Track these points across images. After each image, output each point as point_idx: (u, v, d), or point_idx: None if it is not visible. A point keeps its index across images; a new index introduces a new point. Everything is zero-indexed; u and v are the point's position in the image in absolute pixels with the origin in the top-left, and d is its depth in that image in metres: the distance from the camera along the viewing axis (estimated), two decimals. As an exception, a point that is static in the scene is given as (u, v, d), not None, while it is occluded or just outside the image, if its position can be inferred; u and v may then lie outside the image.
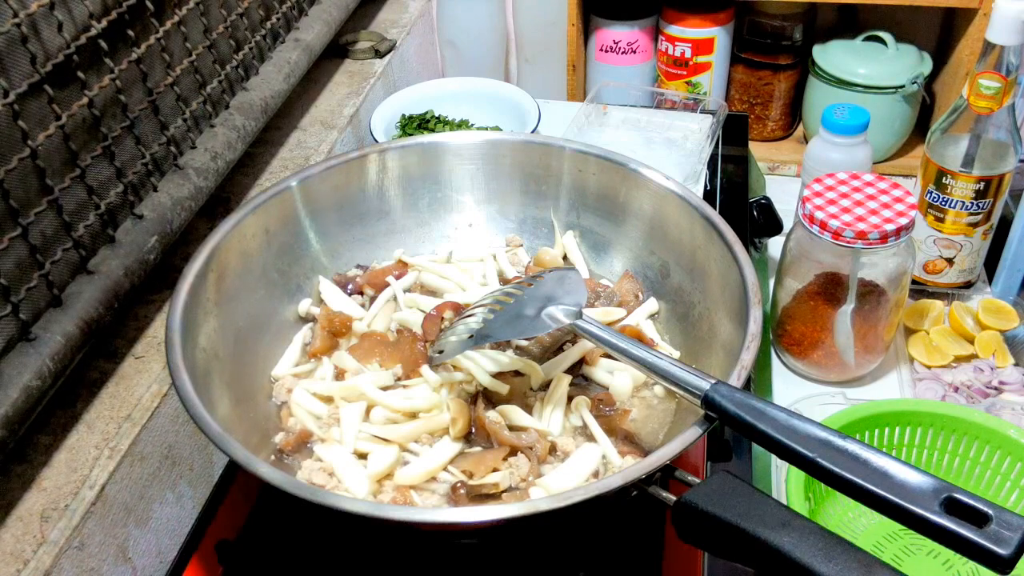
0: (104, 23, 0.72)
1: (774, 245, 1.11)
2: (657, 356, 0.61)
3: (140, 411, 0.73)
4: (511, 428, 0.67)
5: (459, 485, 0.63)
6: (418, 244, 0.85)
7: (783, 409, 0.54)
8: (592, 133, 1.10)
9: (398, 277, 0.80)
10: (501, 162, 0.83)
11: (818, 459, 0.51)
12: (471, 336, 0.67)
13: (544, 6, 1.56)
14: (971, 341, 1.02)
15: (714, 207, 0.73)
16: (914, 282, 1.08)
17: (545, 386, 0.71)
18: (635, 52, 1.50)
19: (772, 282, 1.03)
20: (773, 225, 1.08)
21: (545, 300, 0.67)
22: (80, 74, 0.69)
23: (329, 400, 0.70)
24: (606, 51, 1.50)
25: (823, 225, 0.88)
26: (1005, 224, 1.08)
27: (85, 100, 0.70)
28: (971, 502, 0.47)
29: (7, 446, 0.60)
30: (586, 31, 1.52)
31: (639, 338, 0.72)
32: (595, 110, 1.13)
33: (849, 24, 1.51)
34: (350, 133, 1.11)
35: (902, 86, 1.27)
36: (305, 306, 0.78)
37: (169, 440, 0.75)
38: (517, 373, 0.72)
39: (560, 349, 0.74)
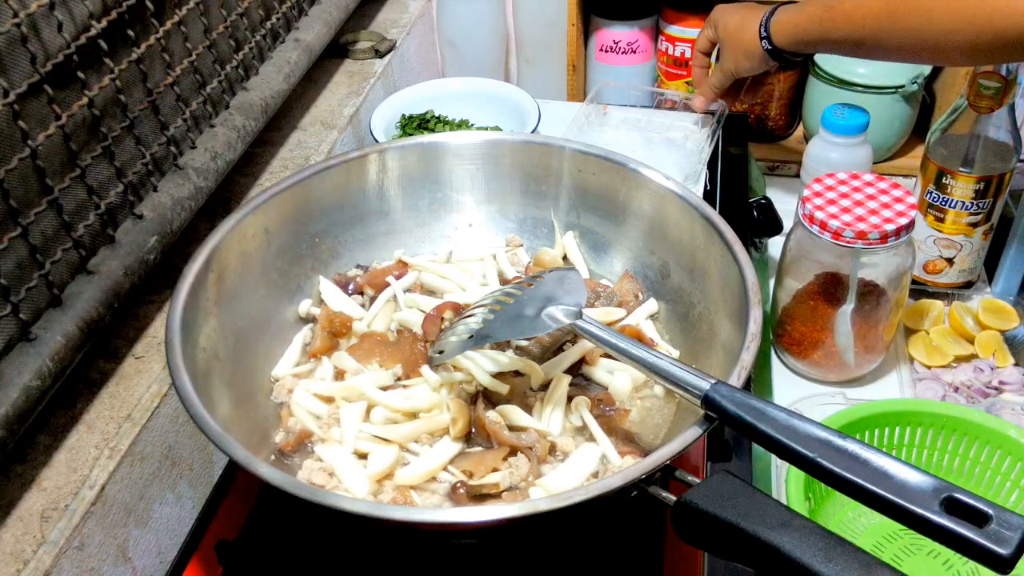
0: (104, 23, 0.72)
1: (774, 245, 1.11)
2: (657, 356, 0.61)
3: (140, 411, 0.73)
4: (511, 428, 0.67)
5: (459, 485, 0.64)
6: (418, 244, 0.85)
7: (783, 409, 0.54)
8: (592, 133, 1.10)
9: (398, 277, 0.80)
10: (501, 162, 0.83)
11: (818, 459, 0.51)
12: (471, 336, 0.67)
13: (544, 6, 1.56)
14: (971, 341, 1.02)
15: (714, 207, 0.73)
16: (914, 282, 1.07)
17: (545, 386, 0.71)
18: (635, 52, 1.49)
19: (772, 282, 1.03)
20: (773, 225, 1.08)
21: (545, 300, 0.67)
22: (80, 74, 0.69)
23: (329, 400, 0.70)
24: (606, 51, 1.50)
25: (823, 225, 0.88)
26: (1005, 224, 1.08)
27: (85, 100, 0.70)
28: (971, 502, 0.47)
29: (7, 446, 0.60)
30: (586, 31, 1.51)
31: (639, 338, 0.72)
32: (595, 110, 1.13)
33: (849, 24, 1.51)
34: (350, 133, 1.11)
35: (902, 86, 1.27)
36: (305, 306, 0.78)
37: (169, 440, 0.75)
38: (517, 373, 0.72)
39: (560, 349, 0.74)
